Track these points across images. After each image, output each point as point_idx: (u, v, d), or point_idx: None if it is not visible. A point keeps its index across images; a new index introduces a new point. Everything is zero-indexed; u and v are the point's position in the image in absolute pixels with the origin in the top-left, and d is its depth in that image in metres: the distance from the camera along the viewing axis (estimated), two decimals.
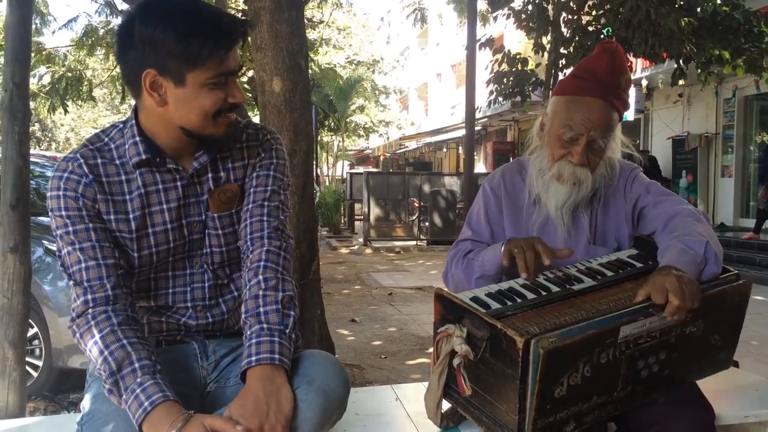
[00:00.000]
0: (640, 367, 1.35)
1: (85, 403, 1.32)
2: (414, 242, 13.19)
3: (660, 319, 1.31)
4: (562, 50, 8.54)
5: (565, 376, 1.22)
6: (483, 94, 9.26)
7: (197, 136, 1.32)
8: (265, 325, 1.28)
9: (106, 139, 1.37)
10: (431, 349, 1.40)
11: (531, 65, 9.12)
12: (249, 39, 3.63)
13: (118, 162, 1.35)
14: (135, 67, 1.26)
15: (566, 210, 1.64)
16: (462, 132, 14.09)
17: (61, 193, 1.30)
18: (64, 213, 1.29)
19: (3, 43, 2.55)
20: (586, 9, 8.43)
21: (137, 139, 1.33)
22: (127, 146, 1.34)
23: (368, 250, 12.40)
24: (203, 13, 1.24)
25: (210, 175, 1.39)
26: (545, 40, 8.71)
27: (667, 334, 1.35)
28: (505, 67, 9.04)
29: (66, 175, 1.31)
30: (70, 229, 1.29)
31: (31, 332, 3.57)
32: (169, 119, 1.29)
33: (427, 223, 13.19)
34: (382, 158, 30.94)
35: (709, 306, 1.40)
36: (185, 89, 1.25)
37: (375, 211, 13.31)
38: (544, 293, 1.41)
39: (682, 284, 1.31)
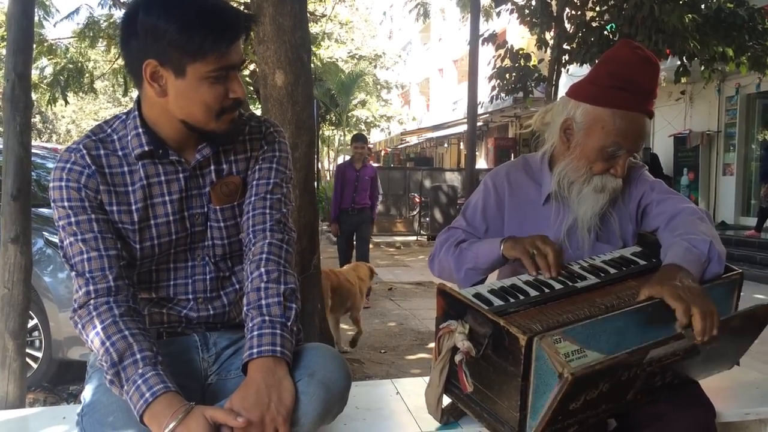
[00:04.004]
0: (656, 380, 1.35)
1: (86, 395, 1.31)
2: (414, 237, 13.20)
3: (689, 341, 1.29)
4: (565, 46, 8.53)
5: (584, 394, 1.21)
6: (485, 90, 9.25)
7: (198, 131, 1.31)
8: (266, 318, 1.28)
9: (109, 130, 1.36)
10: (431, 345, 1.40)
11: (534, 61, 9.11)
12: (252, 33, 3.62)
13: (120, 153, 1.34)
14: (137, 56, 1.25)
15: (598, 216, 1.62)
16: (463, 127, 14.08)
17: (63, 183, 1.29)
18: (66, 204, 1.29)
19: (5, 33, 2.54)
20: (590, 5, 8.42)
21: (140, 130, 1.32)
22: (129, 137, 1.33)
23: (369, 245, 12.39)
24: (207, 5, 1.23)
25: (212, 167, 1.38)
26: (548, 35, 8.69)
27: (691, 351, 1.33)
28: (507, 62, 9.04)
29: (69, 165, 1.30)
30: (73, 219, 1.29)
31: (31, 323, 3.57)
32: (170, 111, 1.29)
33: (427, 219, 13.19)
34: (383, 153, 30.92)
35: (739, 326, 1.40)
36: (185, 81, 1.24)
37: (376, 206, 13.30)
38: (547, 290, 1.40)
39: (697, 296, 1.29)
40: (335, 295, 4.64)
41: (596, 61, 1.73)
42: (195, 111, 1.27)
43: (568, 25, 8.58)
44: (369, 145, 7.07)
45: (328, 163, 25.84)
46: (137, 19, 1.22)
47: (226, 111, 1.29)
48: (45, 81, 11.27)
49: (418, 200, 13.83)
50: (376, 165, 7.79)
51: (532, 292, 1.39)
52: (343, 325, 5.38)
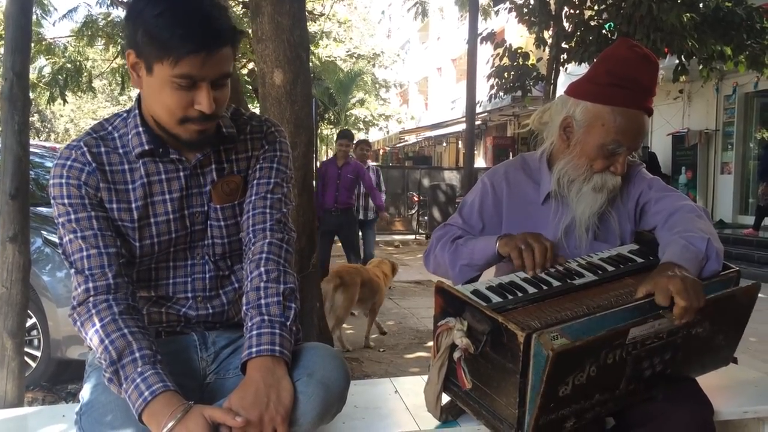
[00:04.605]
0: (645, 366, 1.35)
1: (84, 393, 1.31)
2: (413, 236, 13.21)
3: (669, 321, 1.30)
4: (563, 45, 8.53)
5: (571, 377, 1.22)
6: (484, 89, 9.24)
7: (165, 131, 1.29)
8: (266, 317, 1.28)
9: (110, 128, 1.36)
10: (430, 343, 1.39)
11: (532, 60, 9.10)
12: (250, 32, 3.62)
13: (121, 151, 1.34)
14: (126, 43, 1.26)
15: (596, 216, 1.62)
16: (462, 126, 14.08)
17: (63, 180, 1.29)
18: (66, 201, 1.29)
19: (3, 32, 2.54)
20: (588, 3, 8.42)
21: (140, 129, 1.32)
22: (130, 136, 1.33)
23: None
24: (194, 7, 1.19)
25: (213, 166, 1.38)
26: (547, 34, 8.69)
27: (674, 335, 1.34)
28: (506, 61, 9.04)
29: (69, 162, 1.30)
30: (72, 217, 1.29)
31: (29, 322, 3.57)
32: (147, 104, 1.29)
33: (426, 218, 13.20)
34: (381, 152, 30.92)
35: (718, 308, 1.40)
36: (152, 79, 1.23)
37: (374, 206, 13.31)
38: (545, 287, 1.40)
39: (687, 285, 1.30)
40: (365, 289, 4.86)
41: (595, 60, 1.73)
42: (158, 110, 1.26)
43: (566, 24, 8.58)
44: (350, 143, 6.75)
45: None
46: (129, 5, 1.23)
47: (190, 121, 1.25)
48: (43, 80, 11.26)
49: (416, 199, 13.83)
50: (374, 164, 7.61)
51: (531, 290, 1.39)
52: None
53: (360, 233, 6.98)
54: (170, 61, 1.18)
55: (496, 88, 9.21)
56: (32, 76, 10.29)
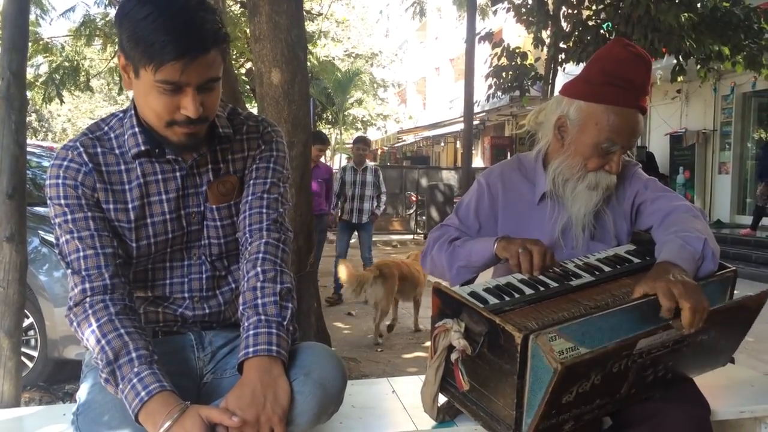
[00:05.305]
0: (648, 373, 1.35)
1: (81, 394, 1.31)
2: (411, 236, 13.20)
3: (677, 330, 1.29)
4: (561, 45, 8.54)
5: (576, 386, 1.21)
6: (482, 89, 9.25)
7: (155, 133, 1.29)
8: (262, 317, 1.28)
9: (106, 128, 1.36)
10: (427, 343, 1.39)
11: (530, 60, 9.11)
12: (247, 31, 3.61)
13: (117, 151, 1.34)
14: (119, 45, 1.25)
15: (591, 215, 1.62)
16: (460, 126, 14.09)
17: (60, 181, 1.29)
18: (63, 201, 1.29)
19: (0, 31, 2.53)
20: (586, 3, 8.43)
21: (136, 129, 1.32)
22: (126, 136, 1.33)
23: None
24: (179, 11, 1.17)
25: (210, 166, 1.38)
26: (545, 34, 8.70)
27: (680, 343, 1.34)
28: (504, 61, 9.04)
29: (66, 163, 1.30)
30: (69, 217, 1.28)
31: (26, 322, 3.56)
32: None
33: (424, 217, 13.20)
34: (379, 152, 30.91)
35: (727, 317, 1.40)
36: (139, 82, 1.22)
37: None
38: (542, 289, 1.40)
39: (688, 289, 1.29)
40: (406, 283, 5.09)
41: None
42: (147, 113, 1.26)
43: (564, 24, 8.59)
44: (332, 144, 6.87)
45: (325, 161, 25.79)
46: (119, 5, 1.22)
47: (177, 124, 1.24)
48: (40, 80, 11.25)
49: (414, 199, 13.84)
50: (373, 164, 7.58)
51: (528, 291, 1.39)
52: (338, 324, 5.39)
53: (357, 236, 6.94)
54: (152, 68, 1.17)
55: (494, 87, 9.21)
56: (29, 75, 10.27)
